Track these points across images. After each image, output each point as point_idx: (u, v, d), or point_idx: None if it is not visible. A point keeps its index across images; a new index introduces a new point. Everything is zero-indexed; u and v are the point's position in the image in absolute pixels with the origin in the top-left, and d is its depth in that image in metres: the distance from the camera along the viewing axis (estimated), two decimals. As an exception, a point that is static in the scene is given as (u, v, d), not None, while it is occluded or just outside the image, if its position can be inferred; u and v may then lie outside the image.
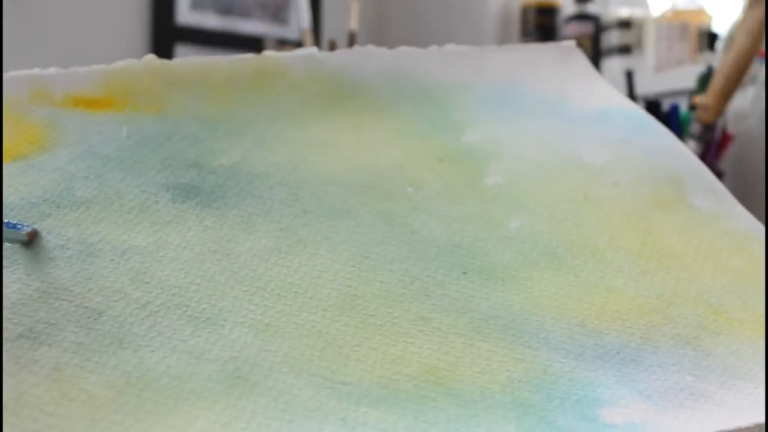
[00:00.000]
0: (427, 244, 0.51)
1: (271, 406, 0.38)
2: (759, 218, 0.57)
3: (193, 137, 0.55)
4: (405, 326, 0.45)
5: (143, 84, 0.57)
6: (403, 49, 0.65)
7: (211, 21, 1.98)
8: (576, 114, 0.65)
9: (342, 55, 0.63)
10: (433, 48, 0.65)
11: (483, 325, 0.46)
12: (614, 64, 1.58)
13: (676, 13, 1.52)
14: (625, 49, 1.59)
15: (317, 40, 1.81)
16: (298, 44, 1.63)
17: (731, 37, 1.06)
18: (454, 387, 0.42)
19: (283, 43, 1.70)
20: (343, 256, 0.49)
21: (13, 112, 0.54)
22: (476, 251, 0.51)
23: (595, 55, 1.65)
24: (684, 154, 0.62)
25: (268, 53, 0.61)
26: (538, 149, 0.61)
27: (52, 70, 0.56)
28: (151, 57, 0.58)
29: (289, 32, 2.05)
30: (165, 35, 1.92)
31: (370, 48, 0.63)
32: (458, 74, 0.65)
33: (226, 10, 2.00)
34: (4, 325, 0.40)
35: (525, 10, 1.79)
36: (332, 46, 1.52)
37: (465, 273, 0.49)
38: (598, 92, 0.68)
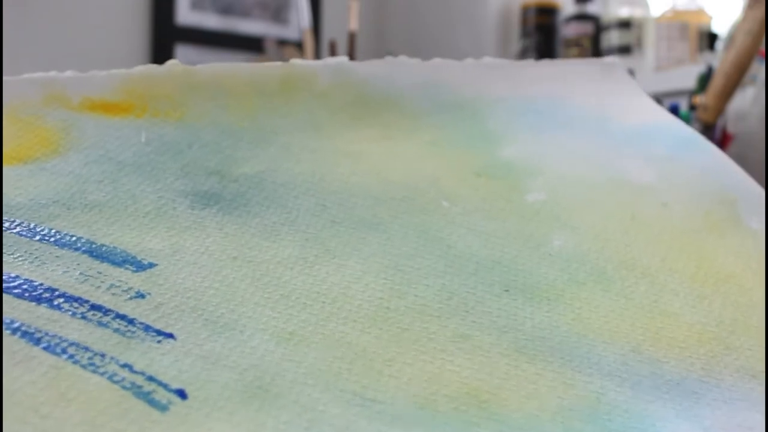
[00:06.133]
0: (465, 260, 0.47)
1: (294, 423, 0.35)
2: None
3: (214, 145, 0.52)
4: (442, 343, 0.41)
5: (164, 89, 0.54)
6: (436, 60, 0.62)
7: (211, 21, 1.99)
8: (618, 130, 0.62)
9: (372, 64, 0.60)
10: (468, 60, 0.63)
11: (528, 345, 0.42)
12: (614, 64, 1.57)
13: (676, 13, 1.56)
14: (625, 49, 1.61)
15: (317, 40, 1.81)
16: (299, 44, 1.62)
17: (731, 37, 1.05)
18: (499, 412, 0.38)
19: (283, 43, 1.70)
20: (375, 267, 0.45)
21: (26, 115, 0.51)
22: (518, 269, 0.48)
23: (595, 55, 1.67)
24: (736, 173, 0.59)
25: (295, 61, 0.58)
26: (579, 166, 0.58)
27: (69, 73, 0.54)
28: (174, 62, 0.55)
29: (289, 32, 2.06)
30: (165, 35, 1.92)
31: (402, 58, 0.60)
32: (493, 87, 0.62)
33: (226, 10, 2.01)
34: (4, 315, 0.36)
35: (525, 10, 1.82)
36: (332, 47, 1.53)
37: (507, 290, 0.46)
38: (641, 108, 0.64)
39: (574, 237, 0.51)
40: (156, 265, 0.42)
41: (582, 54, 1.67)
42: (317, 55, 1.60)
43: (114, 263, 0.42)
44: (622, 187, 0.56)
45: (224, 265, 0.43)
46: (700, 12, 1.55)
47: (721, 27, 1.54)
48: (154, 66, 0.55)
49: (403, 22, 2.15)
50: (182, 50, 1.93)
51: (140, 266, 0.42)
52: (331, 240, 0.47)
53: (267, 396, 0.36)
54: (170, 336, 0.38)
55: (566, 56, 1.69)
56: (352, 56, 1.53)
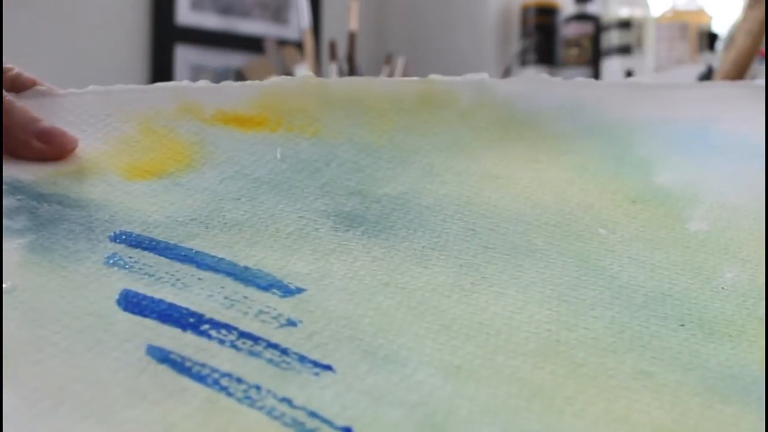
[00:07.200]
0: (632, 291, 0.44)
1: None
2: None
3: (353, 163, 0.50)
4: (624, 380, 0.37)
5: (299, 103, 0.53)
6: (580, 80, 0.59)
7: (211, 21, 1.98)
8: None
9: (514, 83, 0.58)
10: (614, 81, 0.60)
11: (718, 385, 0.38)
12: (614, 64, 1.58)
13: (676, 13, 1.54)
14: (625, 49, 1.59)
15: (317, 40, 1.80)
16: (299, 44, 1.61)
17: (731, 37, 1.04)
18: None
19: (283, 43, 1.69)
20: (536, 297, 0.42)
21: (158, 126, 0.49)
22: (690, 302, 0.44)
23: (595, 55, 1.66)
24: None
25: (434, 77, 0.56)
26: (740, 194, 0.53)
27: (202, 82, 0.52)
28: (309, 75, 0.54)
29: (289, 32, 2.04)
30: (165, 35, 1.91)
31: (545, 77, 0.58)
32: (641, 110, 0.59)
33: (226, 10, 2.00)
34: (150, 342, 0.35)
35: (525, 10, 1.81)
36: (332, 47, 1.52)
37: (682, 325, 0.42)
38: None
39: (746, 270, 0.47)
40: (304, 290, 0.40)
41: (582, 54, 1.66)
42: (317, 55, 1.59)
43: (260, 287, 0.39)
44: None
45: (376, 291, 0.40)
46: (700, 12, 1.54)
47: (721, 27, 1.52)
48: (289, 78, 0.53)
49: (403, 22, 2.14)
50: (182, 50, 1.93)
51: (288, 291, 0.39)
52: (486, 267, 0.44)
53: None
54: (328, 368, 0.35)
55: (566, 56, 1.68)
56: (352, 56, 1.53)
